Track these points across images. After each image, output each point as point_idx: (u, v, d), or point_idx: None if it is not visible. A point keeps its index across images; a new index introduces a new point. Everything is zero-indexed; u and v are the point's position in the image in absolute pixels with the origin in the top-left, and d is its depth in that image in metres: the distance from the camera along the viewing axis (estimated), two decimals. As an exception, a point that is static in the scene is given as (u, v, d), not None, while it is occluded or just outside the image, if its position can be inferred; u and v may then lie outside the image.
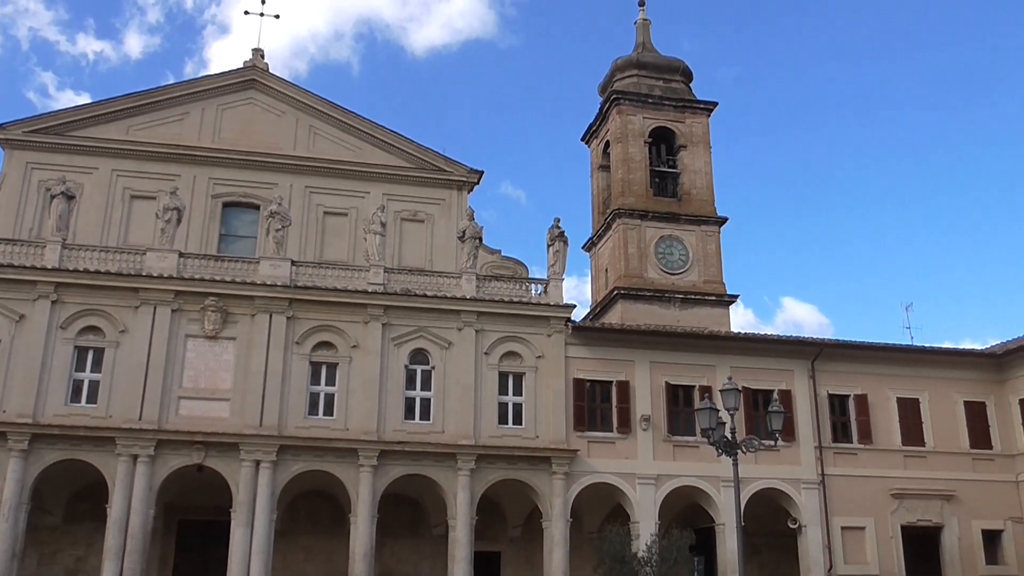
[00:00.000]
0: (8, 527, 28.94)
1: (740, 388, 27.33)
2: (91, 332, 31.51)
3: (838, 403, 36.72)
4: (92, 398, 30.96)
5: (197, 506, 33.16)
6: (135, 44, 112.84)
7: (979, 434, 37.55)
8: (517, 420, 33.60)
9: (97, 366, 31.30)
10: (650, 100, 49.64)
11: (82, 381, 31.15)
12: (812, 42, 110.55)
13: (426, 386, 33.32)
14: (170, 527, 33.68)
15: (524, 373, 34.04)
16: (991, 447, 37.52)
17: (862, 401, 36.64)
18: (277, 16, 42.26)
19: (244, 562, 29.99)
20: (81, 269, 31.79)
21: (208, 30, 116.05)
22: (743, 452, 25.70)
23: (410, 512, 35.00)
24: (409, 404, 33.02)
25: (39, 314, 31.08)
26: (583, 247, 51.57)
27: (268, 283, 32.69)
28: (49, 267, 31.50)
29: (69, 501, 32.81)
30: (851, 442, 36.31)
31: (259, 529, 30.34)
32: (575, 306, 35.11)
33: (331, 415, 32.30)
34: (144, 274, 32.04)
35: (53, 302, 31.26)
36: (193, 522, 33.82)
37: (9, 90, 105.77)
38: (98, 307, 31.61)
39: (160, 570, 33.12)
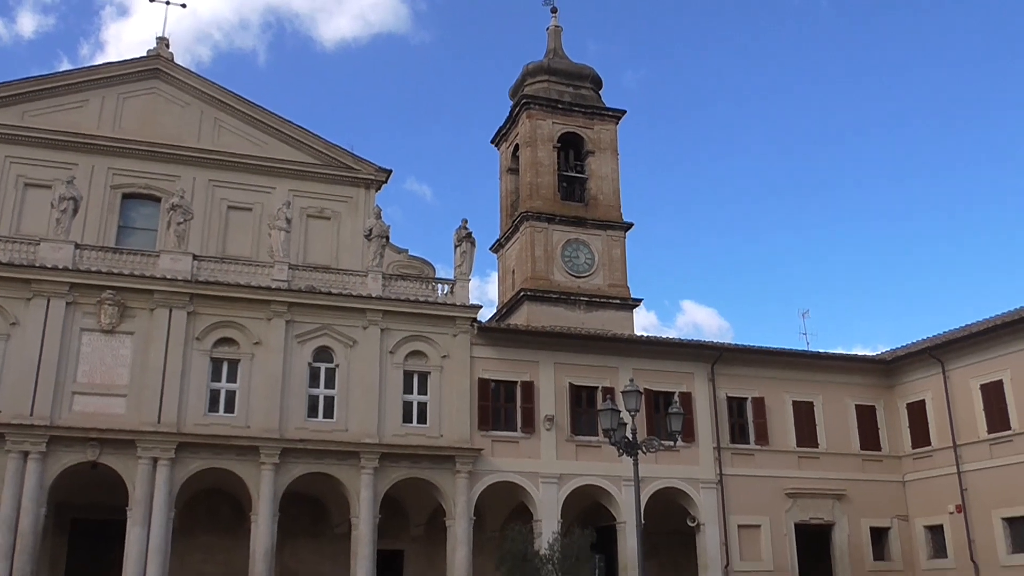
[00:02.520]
0: None
1: (642, 390, 27.99)
2: (-21, 324, 30.31)
3: (736, 405, 37.73)
4: (-21, 393, 29.75)
5: (91, 504, 32.12)
6: (28, 23, 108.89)
7: (869, 436, 39.09)
8: (422, 419, 33.58)
9: (-15, 360, 30.11)
10: (560, 106, 50.28)
11: (-32, 375, 29.92)
12: (714, 49, 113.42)
13: (330, 384, 33.03)
14: (62, 526, 32.55)
15: (429, 372, 34.06)
16: (880, 449, 39.10)
17: (759, 404, 37.77)
18: (183, 5, 41.32)
19: (140, 562, 29.19)
20: (-30, 259, 30.54)
21: (107, 11, 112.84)
22: (643, 452, 26.31)
23: (311, 511, 34.60)
24: (312, 402, 32.68)
25: (-77, 305, 29.76)
26: (491, 248, 51.87)
27: (168, 277, 31.96)
28: (-65, 256, 30.19)
29: (-48, 500, 31.41)
30: (748, 443, 37.38)
31: (156, 528, 29.60)
32: (481, 307, 35.39)
33: (232, 412, 31.73)
34: (37, 265, 30.94)
35: (-61, 293, 29.98)
36: (87, 521, 32.74)
37: None
38: (-13, 299, 30.42)
39: (51, 571, 31.96)
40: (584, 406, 35.60)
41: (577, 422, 35.35)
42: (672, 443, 28.46)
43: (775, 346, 39.41)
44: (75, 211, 32.35)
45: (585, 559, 29.14)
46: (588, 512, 36.03)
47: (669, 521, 36.31)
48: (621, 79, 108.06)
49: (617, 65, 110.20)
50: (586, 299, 45.85)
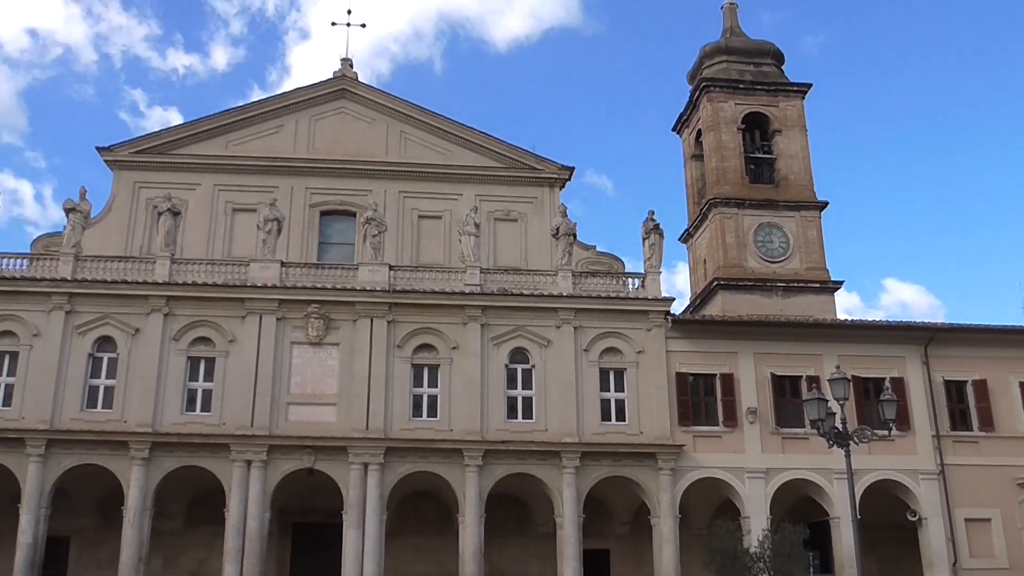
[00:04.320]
0: (134, 532, 30.16)
1: (849, 377, 26.61)
2: (202, 343, 32.55)
3: (955, 389, 35.36)
4: (206, 406, 31.99)
5: (309, 509, 33.94)
6: (221, 56, 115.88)
7: (1111, 418, 35.54)
8: (620, 416, 33.34)
9: (209, 375, 32.32)
10: (741, 85, 48.70)
11: (196, 390, 32.22)
12: (902, 6, 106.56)
13: (527, 385, 33.35)
14: (285, 530, 34.53)
15: (625, 369, 33.75)
16: (1124, 430, 35.49)
17: (981, 387, 35.18)
18: (363, 25, 42.93)
19: (357, 563, 30.54)
20: (190, 282, 32.86)
21: (289, 36, 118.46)
22: (855, 443, 24.98)
23: (516, 511, 35.07)
24: (511, 403, 33.10)
25: (153, 327, 32.26)
26: (679, 238, 50.97)
27: (368, 288, 33.19)
28: (160, 281, 32.66)
29: (188, 506, 33.98)
30: (971, 430, 34.91)
31: (370, 530, 30.85)
32: (674, 299, 34.74)
33: (435, 416, 32.64)
34: (249, 284, 32.92)
35: (165, 315, 32.40)
36: (306, 524, 34.65)
37: (103, 112, 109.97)
38: (207, 318, 32.63)
39: (278, 571, 34.02)
40: (788, 396, 34.31)
41: (781, 413, 34.11)
42: (886, 432, 26.78)
43: (995, 323, 36.64)
44: (279, 231, 34.19)
45: (798, 556, 28.17)
46: (798, 507, 34.66)
47: (887, 515, 34.41)
48: (801, 46, 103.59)
49: (796, 32, 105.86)
50: (783, 284, 44.15)
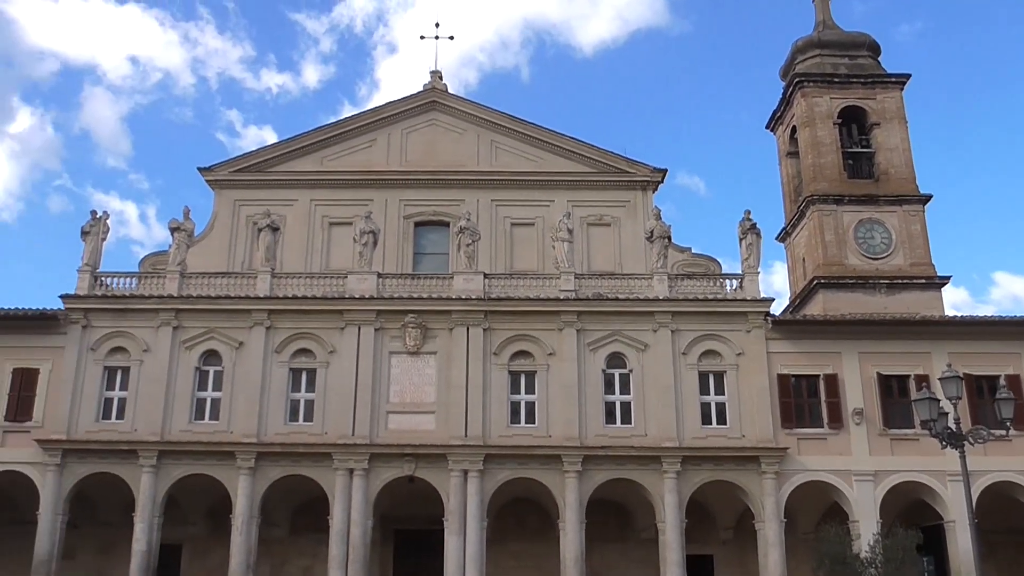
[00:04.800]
0: (242, 540, 30.94)
1: (961, 375, 25.56)
2: (303, 354, 33.23)
3: (1076, 385, 33.60)
4: (308, 416, 32.64)
5: (411, 516, 34.25)
6: (312, 74, 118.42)
7: None
8: (721, 420, 32.75)
9: (311, 386, 32.96)
10: (836, 79, 47.56)
11: (298, 401, 32.90)
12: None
13: (625, 389, 33.06)
14: (387, 537, 34.94)
15: (725, 371, 33.16)
16: None
17: (1104, 382, 33.39)
18: (452, 38, 43.43)
19: (459, 569, 30.71)
20: (290, 296, 33.61)
21: (378, 51, 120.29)
22: (970, 444, 23.97)
23: (617, 517, 34.80)
24: (609, 408, 32.86)
25: (255, 340, 33.08)
26: (776, 237, 50.00)
27: (463, 297, 33.41)
28: (261, 296, 33.49)
29: (293, 514, 34.71)
30: (1096, 428, 33.12)
31: (471, 537, 30.99)
32: (773, 300, 33.99)
33: (533, 423, 32.61)
34: (347, 296, 33.49)
35: (267, 328, 33.19)
36: (408, 531, 34.99)
37: (201, 133, 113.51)
38: (308, 330, 33.30)
39: (381, 579, 34.42)
40: (896, 396, 33.19)
41: (889, 414, 33.02)
42: (1003, 432, 25.70)
43: (1118, 315, 34.72)
44: (375, 243, 34.73)
45: (911, 562, 27.27)
46: (910, 510, 33.45)
47: (1006, 519, 33.02)
48: (896, 35, 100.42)
49: (890, 21, 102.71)
50: (886, 282, 42.85)
